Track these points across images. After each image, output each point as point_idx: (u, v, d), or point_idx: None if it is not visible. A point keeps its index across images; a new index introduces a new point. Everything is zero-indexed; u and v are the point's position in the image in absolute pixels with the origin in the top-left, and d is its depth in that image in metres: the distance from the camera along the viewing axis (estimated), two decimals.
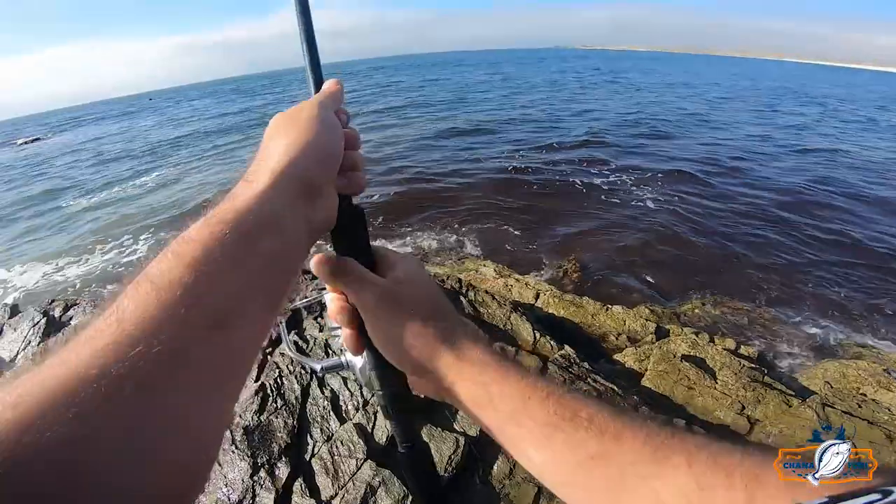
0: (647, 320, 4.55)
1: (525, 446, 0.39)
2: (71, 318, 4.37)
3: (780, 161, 13.01)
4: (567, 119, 19.44)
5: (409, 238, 8.08)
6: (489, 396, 0.40)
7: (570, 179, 10.74)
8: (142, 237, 9.96)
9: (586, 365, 3.15)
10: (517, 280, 5.63)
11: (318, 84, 0.50)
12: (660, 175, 10.92)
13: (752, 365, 3.44)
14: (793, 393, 3.07)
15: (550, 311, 4.76)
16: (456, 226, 8.37)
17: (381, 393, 0.50)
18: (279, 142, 0.41)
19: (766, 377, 3.26)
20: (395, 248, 0.56)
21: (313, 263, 0.47)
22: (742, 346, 4.01)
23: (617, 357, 3.87)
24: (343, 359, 0.55)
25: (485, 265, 6.29)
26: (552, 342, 3.53)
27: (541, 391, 0.39)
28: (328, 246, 0.51)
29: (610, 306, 4.79)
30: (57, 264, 9.26)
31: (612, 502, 0.34)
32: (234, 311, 0.32)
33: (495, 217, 8.70)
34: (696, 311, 5.15)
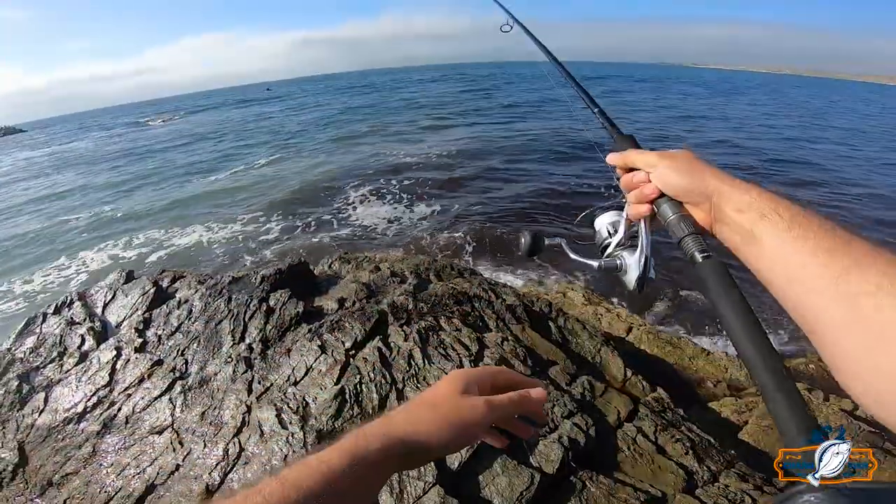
0: None
1: (768, 237, 0.49)
2: (177, 290, 4.39)
3: None
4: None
5: None
6: (746, 209, 0.53)
7: None
8: (273, 216, 12.08)
9: (681, 412, 3.06)
10: (608, 310, 5.45)
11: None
12: None
13: (872, 429, 3.17)
14: None
15: (643, 348, 4.61)
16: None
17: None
18: (410, 416, 0.50)
19: (886, 443, 3.01)
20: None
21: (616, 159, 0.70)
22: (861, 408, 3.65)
23: (712, 405, 3.70)
24: (619, 261, 0.68)
25: (572, 289, 6.17)
26: (644, 382, 3.39)
27: (787, 203, 0.51)
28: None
29: (711, 351, 4.55)
30: (209, 229, 11.67)
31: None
32: None
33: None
34: (811, 366, 4.73)
